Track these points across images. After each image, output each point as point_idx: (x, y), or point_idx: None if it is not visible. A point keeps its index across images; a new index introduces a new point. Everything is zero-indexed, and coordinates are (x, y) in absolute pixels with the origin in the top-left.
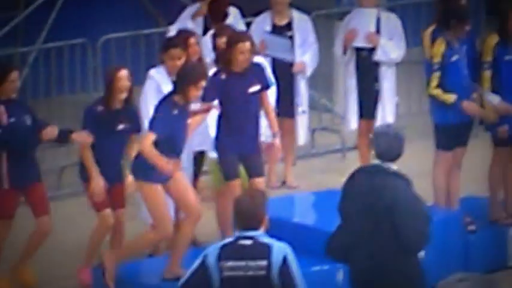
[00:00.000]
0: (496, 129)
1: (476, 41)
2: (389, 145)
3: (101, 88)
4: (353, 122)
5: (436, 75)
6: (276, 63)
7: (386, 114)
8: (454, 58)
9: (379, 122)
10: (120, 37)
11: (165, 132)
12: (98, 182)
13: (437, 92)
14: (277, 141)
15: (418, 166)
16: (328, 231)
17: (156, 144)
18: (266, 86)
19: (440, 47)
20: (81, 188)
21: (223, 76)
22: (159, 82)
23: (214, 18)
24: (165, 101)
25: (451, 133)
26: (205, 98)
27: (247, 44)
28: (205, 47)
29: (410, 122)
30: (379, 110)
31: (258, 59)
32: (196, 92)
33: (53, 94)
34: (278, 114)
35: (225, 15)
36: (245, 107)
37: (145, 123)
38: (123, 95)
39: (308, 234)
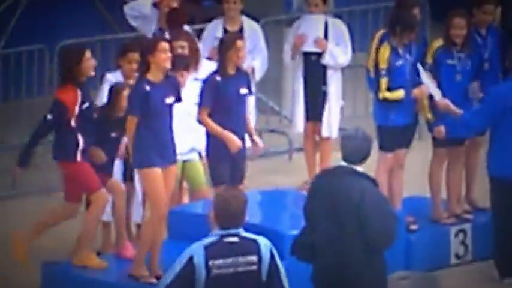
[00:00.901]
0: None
1: (424, 47)
2: (356, 147)
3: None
4: (299, 124)
5: (384, 80)
6: None
7: (332, 116)
8: (399, 63)
9: (324, 124)
10: (76, 43)
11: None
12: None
13: (388, 94)
14: (257, 138)
15: (363, 167)
16: (275, 229)
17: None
18: (251, 91)
19: (385, 52)
20: (34, 187)
21: (218, 78)
22: None
23: (171, 25)
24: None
25: (393, 135)
26: (202, 102)
27: (242, 42)
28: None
29: (356, 125)
30: (325, 113)
31: (209, 64)
32: (237, 60)
33: (10, 98)
34: None
35: (183, 23)
36: (238, 109)
37: None
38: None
39: (255, 232)
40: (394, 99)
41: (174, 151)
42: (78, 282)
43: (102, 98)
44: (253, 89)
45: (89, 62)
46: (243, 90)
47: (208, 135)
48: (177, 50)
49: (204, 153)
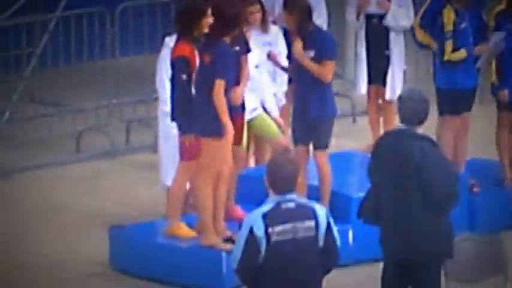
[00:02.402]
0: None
1: (482, 10)
2: (414, 109)
3: (119, 54)
4: (363, 87)
5: (450, 42)
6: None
7: (395, 80)
8: (463, 25)
9: (388, 87)
10: (137, 5)
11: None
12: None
13: (453, 55)
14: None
15: (424, 129)
16: (342, 192)
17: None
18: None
19: (450, 15)
20: (98, 151)
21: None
22: None
23: None
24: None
25: (459, 98)
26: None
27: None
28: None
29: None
30: (388, 76)
31: (274, 28)
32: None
33: (73, 61)
34: (290, 81)
35: None
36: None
37: (160, 92)
38: None
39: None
40: (458, 60)
41: None
42: (144, 246)
43: (162, 63)
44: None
45: (209, 18)
46: None
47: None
48: (253, 14)
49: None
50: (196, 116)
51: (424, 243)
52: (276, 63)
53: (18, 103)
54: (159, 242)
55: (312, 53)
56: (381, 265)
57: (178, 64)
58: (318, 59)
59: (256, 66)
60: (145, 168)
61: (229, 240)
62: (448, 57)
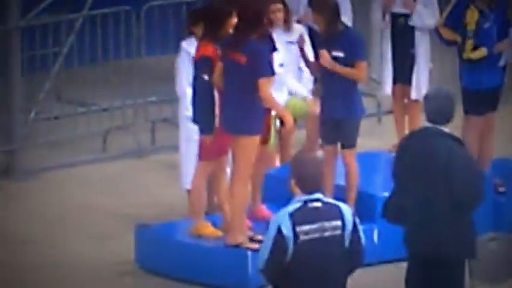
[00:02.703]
0: None
1: (507, 10)
2: (440, 108)
3: (144, 54)
4: (388, 87)
5: (471, 41)
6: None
7: (420, 79)
8: (487, 25)
9: (413, 87)
10: (163, 4)
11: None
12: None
13: (473, 54)
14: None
15: (451, 128)
16: (367, 192)
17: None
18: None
19: (473, 15)
20: (124, 151)
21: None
22: (191, 53)
23: None
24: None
25: (484, 98)
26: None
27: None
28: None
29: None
30: (414, 75)
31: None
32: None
33: (99, 60)
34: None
35: None
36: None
37: (181, 97)
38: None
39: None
40: (478, 58)
41: None
42: (170, 245)
43: (179, 68)
44: None
45: (234, 20)
46: None
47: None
48: (275, 12)
49: None
50: (227, 115)
51: (447, 243)
52: (302, 52)
53: (44, 102)
54: (184, 241)
55: (341, 54)
56: (405, 265)
57: (201, 64)
58: (348, 60)
59: (281, 65)
60: (171, 168)
61: (253, 240)
62: (468, 55)
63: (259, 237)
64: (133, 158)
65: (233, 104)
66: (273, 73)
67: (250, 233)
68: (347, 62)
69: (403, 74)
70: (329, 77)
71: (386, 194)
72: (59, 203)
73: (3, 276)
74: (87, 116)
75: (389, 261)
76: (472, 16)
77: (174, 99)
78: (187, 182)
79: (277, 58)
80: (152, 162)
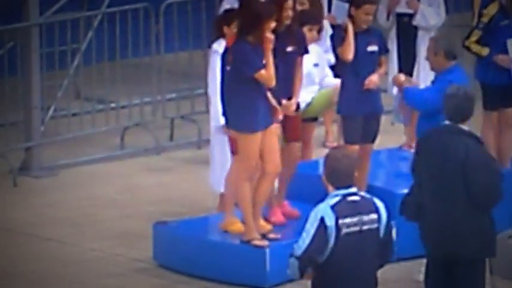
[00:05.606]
0: None
1: None
2: (458, 106)
3: (163, 51)
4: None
5: (477, 32)
6: None
7: (423, 78)
8: (504, 23)
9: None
10: (182, 1)
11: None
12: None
13: (473, 45)
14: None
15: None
16: (386, 188)
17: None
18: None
19: (493, 9)
20: (142, 147)
21: None
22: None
23: None
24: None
25: (496, 93)
26: None
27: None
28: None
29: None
30: (415, 74)
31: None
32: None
33: (117, 57)
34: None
35: None
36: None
37: (212, 99)
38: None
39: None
40: (475, 53)
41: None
42: (188, 242)
43: (214, 70)
44: None
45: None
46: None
47: (342, 94)
48: (287, 10)
49: None
50: (223, 112)
51: (466, 241)
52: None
53: (62, 99)
54: (202, 238)
55: (376, 47)
56: (423, 262)
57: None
58: (379, 55)
59: (316, 65)
60: (190, 165)
61: (266, 237)
62: (468, 43)
63: (273, 235)
64: (152, 155)
65: (224, 101)
66: (259, 68)
67: (269, 228)
68: (379, 55)
69: (408, 73)
70: (368, 75)
71: (405, 191)
72: (76, 199)
73: (21, 272)
74: (105, 113)
75: (408, 259)
76: (491, 9)
77: (193, 96)
78: (218, 185)
79: (310, 59)
80: (171, 159)
